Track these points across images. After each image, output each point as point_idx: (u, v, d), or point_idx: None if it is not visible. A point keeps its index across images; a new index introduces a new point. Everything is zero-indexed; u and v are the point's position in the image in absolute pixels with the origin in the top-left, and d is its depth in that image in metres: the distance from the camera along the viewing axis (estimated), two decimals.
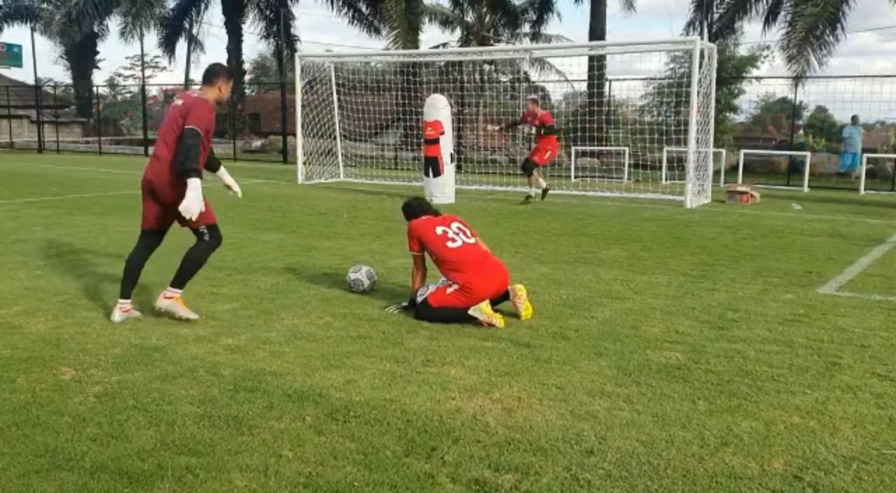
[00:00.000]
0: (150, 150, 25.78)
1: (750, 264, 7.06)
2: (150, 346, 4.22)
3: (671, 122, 17.01)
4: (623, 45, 17.09)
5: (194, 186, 4.49)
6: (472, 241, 5.09)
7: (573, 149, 19.33)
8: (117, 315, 4.78)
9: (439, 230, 5.06)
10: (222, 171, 5.27)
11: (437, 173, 12.38)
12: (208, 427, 3.14)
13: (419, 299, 4.95)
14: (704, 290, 5.87)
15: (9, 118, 32.50)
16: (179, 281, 4.80)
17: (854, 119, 18.46)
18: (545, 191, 12.41)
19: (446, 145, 12.40)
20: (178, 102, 4.77)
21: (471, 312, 4.73)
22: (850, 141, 18.31)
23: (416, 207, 5.36)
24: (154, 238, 4.91)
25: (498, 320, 4.70)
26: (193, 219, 4.56)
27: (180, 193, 4.52)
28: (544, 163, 12.67)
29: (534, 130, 12.58)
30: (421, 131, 12.71)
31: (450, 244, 4.99)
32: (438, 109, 12.32)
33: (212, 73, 4.89)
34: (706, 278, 6.36)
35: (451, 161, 12.56)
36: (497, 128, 12.73)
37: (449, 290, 4.86)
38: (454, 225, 5.14)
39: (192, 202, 4.48)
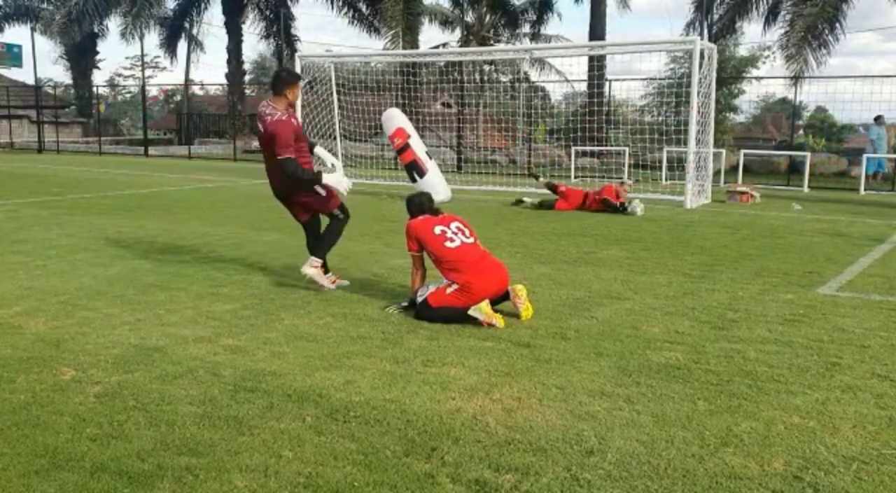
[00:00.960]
0: (151, 150, 25.44)
1: (750, 264, 7.06)
2: (150, 346, 4.22)
3: (671, 122, 17.01)
4: (623, 46, 17.09)
5: (327, 180, 5.47)
6: (470, 241, 5.08)
7: (573, 149, 19.33)
8: (327, 285, 5.60)
9: (437, 230, 5.06)
10: (318, 149, 5.91)
11: (421, 174, 12.36)
12: (208, 427, 3.14)
13: (419, 300, 4.95)
14: (704, 290, 5.87)
15: (9, 118, 32.50)
16: (320, 251, 5.67)
17: (879, 119, 17.58)
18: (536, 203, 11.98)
19: (418, 145, 12.40)
20: (260, 126, 5.42)
21: (471, 312, 4.72)
22: (878, 143, 17.74)
23: (418, 205, 5.33)
24: (311, 225, 5.86)
25: (498, 320, 4.70)
26: (345, 191, 5.59)
27: (297, 197, 5.63)
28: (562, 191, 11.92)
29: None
30: (393, 141, 12.61)
31: (448, 244, 4.99)
32: (395, 119, 12.37)
33: (277, 82, 5.45)
34: (706, 278, 6.36)
35: (430, 158, 12.57)
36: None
37: (449, 290, 4.86)
38: (453, 225, 5.12)
39: (335, 184, 5.51)
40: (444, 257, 4.97)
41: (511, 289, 4.91)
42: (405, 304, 5.09)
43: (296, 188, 5.56)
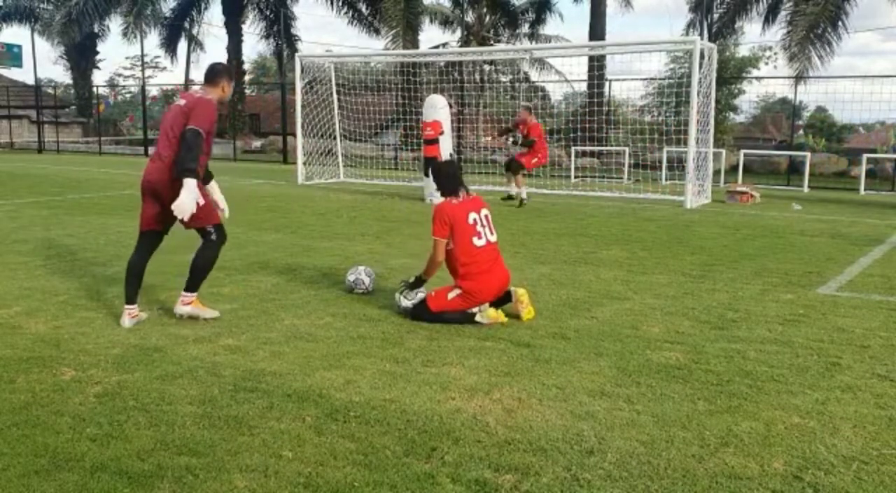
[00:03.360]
0: (151, 150, 25.72)
1: (750, 264, 7.06)
2: (150, 346, 4.22)
3: (671, 122, 17.02)
4: (623, 45, 17.09)
5: (190, 186, 4.43)
6: (493, 239, 4.90)
7: (573, 149, 19.33)
8: (126, 321, 4.68)
9: (471, 219, 4.80)
10: (213, 185, 5.06)
11: None
12: (208, 427, 3.14)
13: (418, 298, 4.95)
14: (704, 290, 5.87)
15: (9, 118, 32.52)
16: (193, 284, 4.78)
17: None
18: (521, 201, 12.00)
19: (446, 145, 12.39)
20: (181, 101, 4.73)
21: (477, 318, 4.76)
22: None
23: (452, 177, 4.97)
24: (155, 239, 4.84)
25: (501, 317, 4.76)
26: (185, 219, 4.47)
27: (178, 194, 4.47)
28: (530, 167, 12.47)
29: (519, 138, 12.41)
30: (420, 131, 12.68)
31: (476, 241, 4.78)
32: (437, 108, 12.31)
33: (214, 73, 4.86)
34: (706, 278, 6.36)
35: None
36: (490, 138, 12.55)
37: (450, 295, 4.79)
38: (483, 212, 4.90)
39: (186, 202, 4.40)
40: (466, 253, 4.77)
41: (513, 291, 4.90)
42: (411, 280, 5.02)
43: (175, 183, 4.53)
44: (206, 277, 4.83)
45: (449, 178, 4.99)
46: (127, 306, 4.72)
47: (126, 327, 4.63)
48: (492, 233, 4.91)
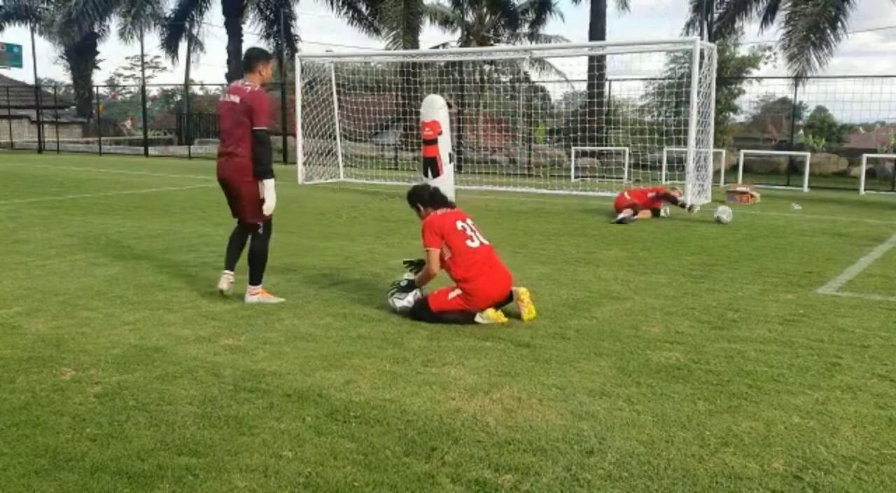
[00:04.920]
0: (148, 147, 25.51)
1: (750, 264, 7.06)
2: (150, 346, 4.22)
3: (671, 122, 17.01)
4: (623, 45, 17.08)
5: (270, 186, 5.07)
6: (486, 242, 5.00)
7: (573, 149, 19.33)
8: (224, 284, 5.29)
9: (459, 226, 4.95)
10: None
11: (435, 174, 12.34)
12: (208, 427, 3.14)
13: (417, 296, 4.94)
14: (704, 290, 5.87)
15: (9, 118, 32.48)
16: (256, 277, 5.28)
17: None
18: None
19: (445, 145, 12.37)
20: (234, 98, 5.07)
21: (477, 319, 4.76)
22: None
23: (434, 193, 5.20)
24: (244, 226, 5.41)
25: (501, 318, 4.76)
26: (269, 214, 5.13)
27: (249, 190, 5.10)
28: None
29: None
30: (420, 132, 12.65)
31: (469, 243, 4.89)
32: (436, 109, 12.28)
33: (251, 59, 5.24)
34: (706, 278, 6.36)
35: (450, 161, 12.52)
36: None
37: (451, 294, 4.80)
38: (469, 221, 5.05)
39: (271, 201, 5.09)
40: (463, 258, 4.84)
41: (514, 292, 4.90)
42: (403, 283, 5.02)
43: (247, 178, 5.10)
44: (265, 266, 5.33)
45: (435, 196, 5.22)
46: (225, 272, 5.35)
47: (223, 289, 5.26)
48: (483, 238, 5.01)
